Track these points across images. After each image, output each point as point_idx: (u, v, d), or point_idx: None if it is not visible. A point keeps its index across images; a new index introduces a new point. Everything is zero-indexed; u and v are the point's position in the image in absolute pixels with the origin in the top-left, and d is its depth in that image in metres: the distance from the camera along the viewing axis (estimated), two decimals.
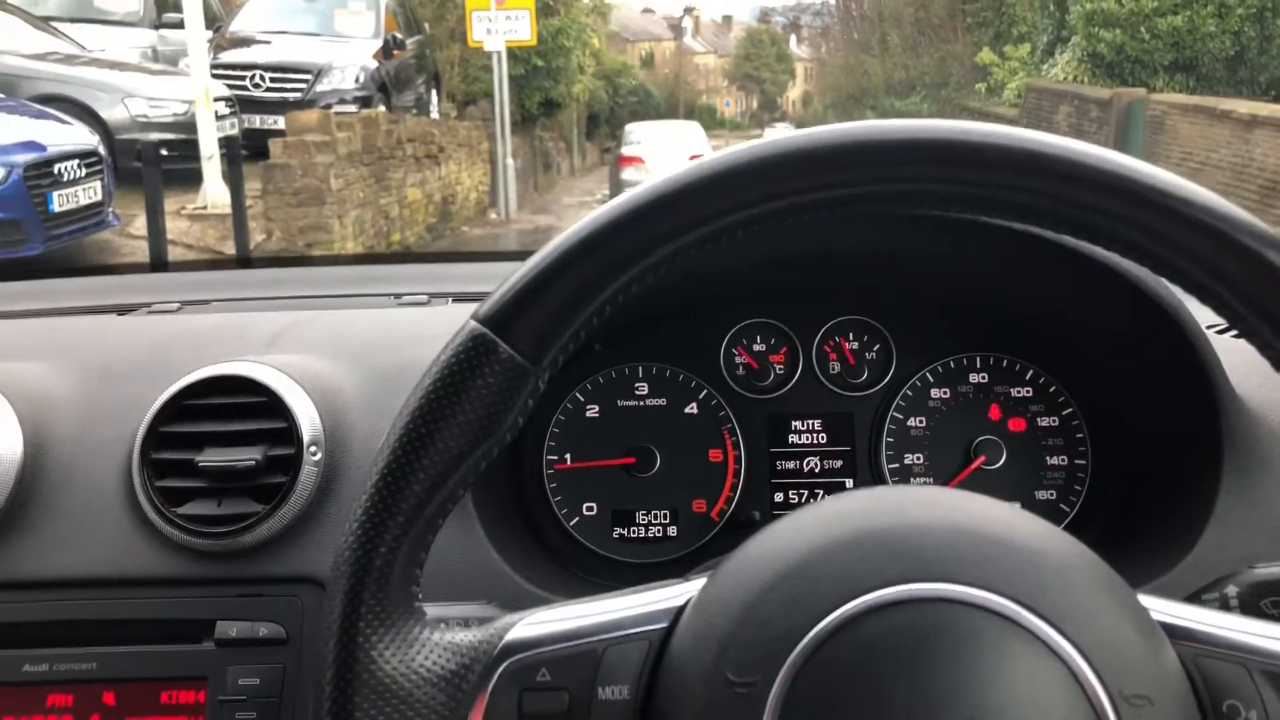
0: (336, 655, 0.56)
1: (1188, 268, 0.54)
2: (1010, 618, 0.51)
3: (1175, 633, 0.55)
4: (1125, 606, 0.54)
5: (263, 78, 10.28)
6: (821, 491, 1.13)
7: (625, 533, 1.12)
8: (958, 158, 0.54)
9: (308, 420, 0.93)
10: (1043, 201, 0.54)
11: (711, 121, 39.68)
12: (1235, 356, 0.93)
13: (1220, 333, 1.02)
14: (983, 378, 1.13)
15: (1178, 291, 0.90)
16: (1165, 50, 14.92)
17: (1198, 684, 0.54)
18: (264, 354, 0.99)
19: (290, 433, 0.92)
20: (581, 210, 14.69)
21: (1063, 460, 1.11)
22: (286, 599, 0.90)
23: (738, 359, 1.15)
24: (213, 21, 10.21)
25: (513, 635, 0.58)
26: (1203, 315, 0.92)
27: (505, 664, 0.57)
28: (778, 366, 1.16)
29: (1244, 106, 13.04)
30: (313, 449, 0.92)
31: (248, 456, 0.90)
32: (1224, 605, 0.71)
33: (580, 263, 0.56)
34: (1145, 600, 0.56)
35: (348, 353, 1.03)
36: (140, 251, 6.78)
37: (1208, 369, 0.93)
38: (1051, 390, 1.12)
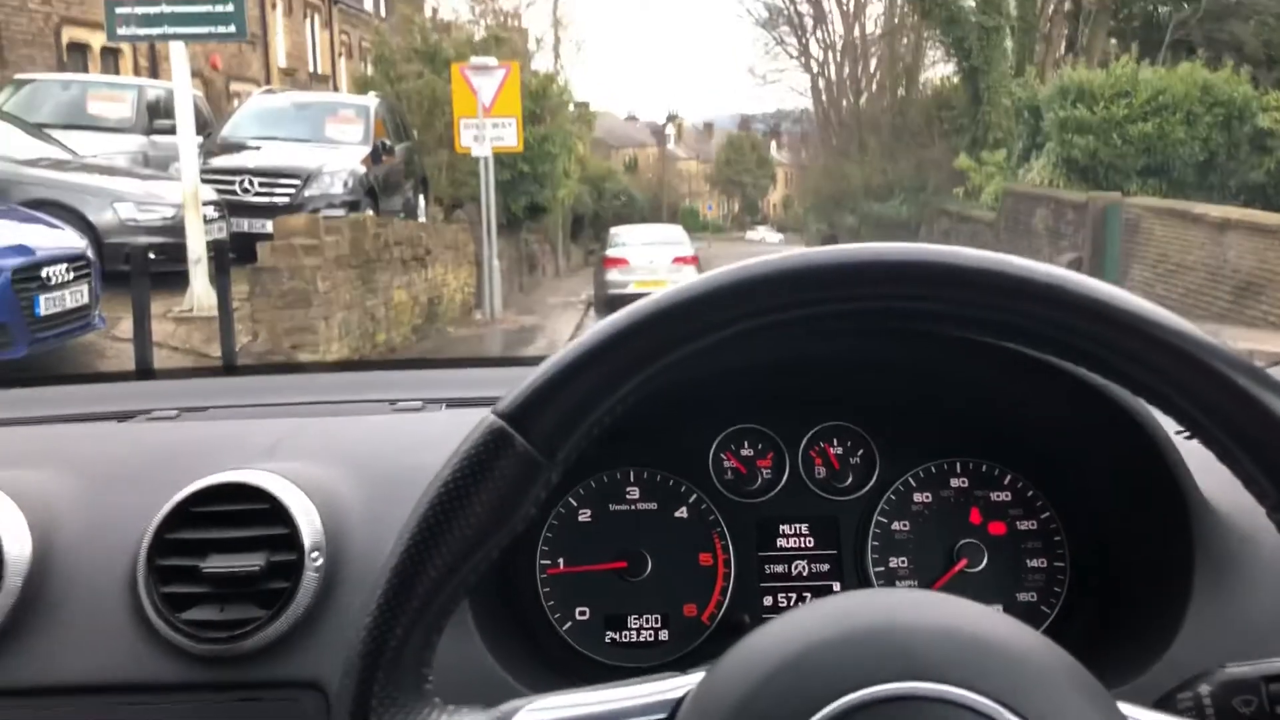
0: None
1: (1165, 391, 0.59)
2: (994, 718, 0.53)
3: None
4: (1102, 711, 0.56)
5: (252, 182, 10.39)
6: (810, 594, 1.13)
7: (617, 637, 1.11)
8: (955, 280, 0.59)
9: (309, 527, 0.93)
10: (1035, 325, 0.59)
11: (694, 224, 40.30)
12: (1203, 461, 0.95)
13: (1188, 438, 1.04)
14: (964, 482, 1.15)
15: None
16: (1137, 155, 15.31)
17: None
18: (265, 461, 1.00)
19: (292, 539, 0.92)
20: (566, 311, 14.84)
21: (1042, 563, 1.13)
22: (286, 703, 0.90)
23: (726, 464, 1.17)
24: (203, 127, 10.35)
25: (521, 718, 0.59)
26: (1170, 422, 0.95)
27: None
28: (765, 471, 1.17)
29: (1216, 211, 13.34)
30: (314, 555, 0.92)
31: (251, 563, 0.90)
32: (1197, 705, 0.72)
33: (598, 363, 0.60)
34: (1130, 711, 0.58)
35: (346, 460, 1.04)
36: (125, 354, 6.77)
37: (1176, 475, 0.95)
38: (1030, 495, 1.14)
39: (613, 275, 16.12)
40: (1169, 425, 0.94)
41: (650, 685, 0.61)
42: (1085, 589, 1.11)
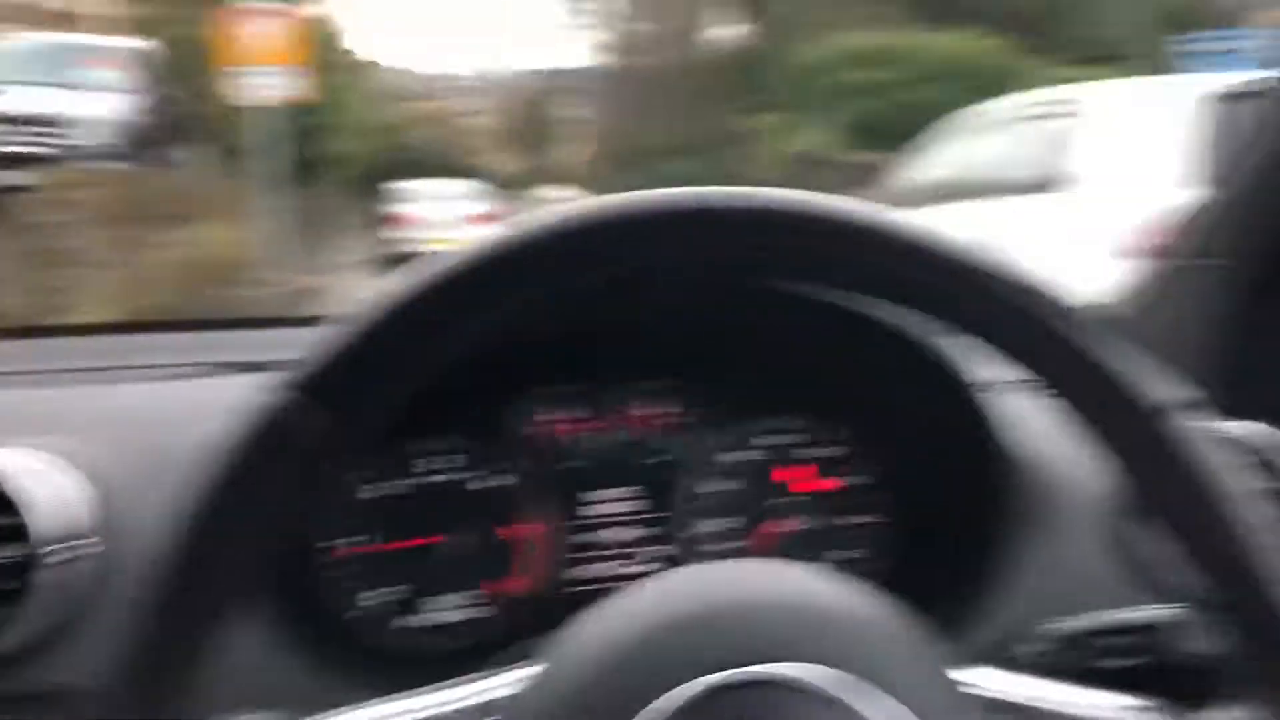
0: None
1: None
2: (827, 695, 0.52)
3: (997, 705, 0.58)
4: (931, 668, 0.58)
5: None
6: (618, 562, 1.09)
7: (407, 622, 1.03)
8: (788, 224, 0.56)
9: (49, 515, 0.81)
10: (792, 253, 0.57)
11: (492, 181, 39.95)
12: (1015, 409, 0.97)
13: (1000, 388, 1.07)
14: (781, 440, 1.13)
15: (958, 355, 0.97)
16: (913, 120, 16.06)
17: None
18: (11, 437, 0.87)
19: (20, 530, 0.80)
20: (355, 270, 14.37)
21: (855, 520, 1.12)
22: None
23: (529, 429, 1.09)
24: None
25: None
26: (983, 373, 0.98)
27: None
28: (571, 436, 1.11)
29: None
30: (51, 548, 0.80)
31: None
32: (1026, 662, 0.74)
33: (388, 326, 0.55)
34: (963, 673, 0.60)
35: (100, 435, 0.91)
36: None
37: (988, 428, 0.96)
38: (843, 452, 1.13)
39: (401, 232, 15.74)
40: (982, 377, 0.97)
41: (460, 691, 0.58)
42: (906, 547, 1.11)
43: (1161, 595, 0.89)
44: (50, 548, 0.80)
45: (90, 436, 0.91)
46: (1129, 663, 0.71)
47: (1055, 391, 0.56)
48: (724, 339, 1.12)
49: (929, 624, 0.96)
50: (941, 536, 1.05)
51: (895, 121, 16.21)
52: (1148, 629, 0.72)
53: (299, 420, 0.53)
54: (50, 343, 1.47)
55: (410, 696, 0.58)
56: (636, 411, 1.13)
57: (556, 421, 1.11)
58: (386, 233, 16.25)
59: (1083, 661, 0.73)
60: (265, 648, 0.84)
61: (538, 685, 0.55)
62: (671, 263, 0.57)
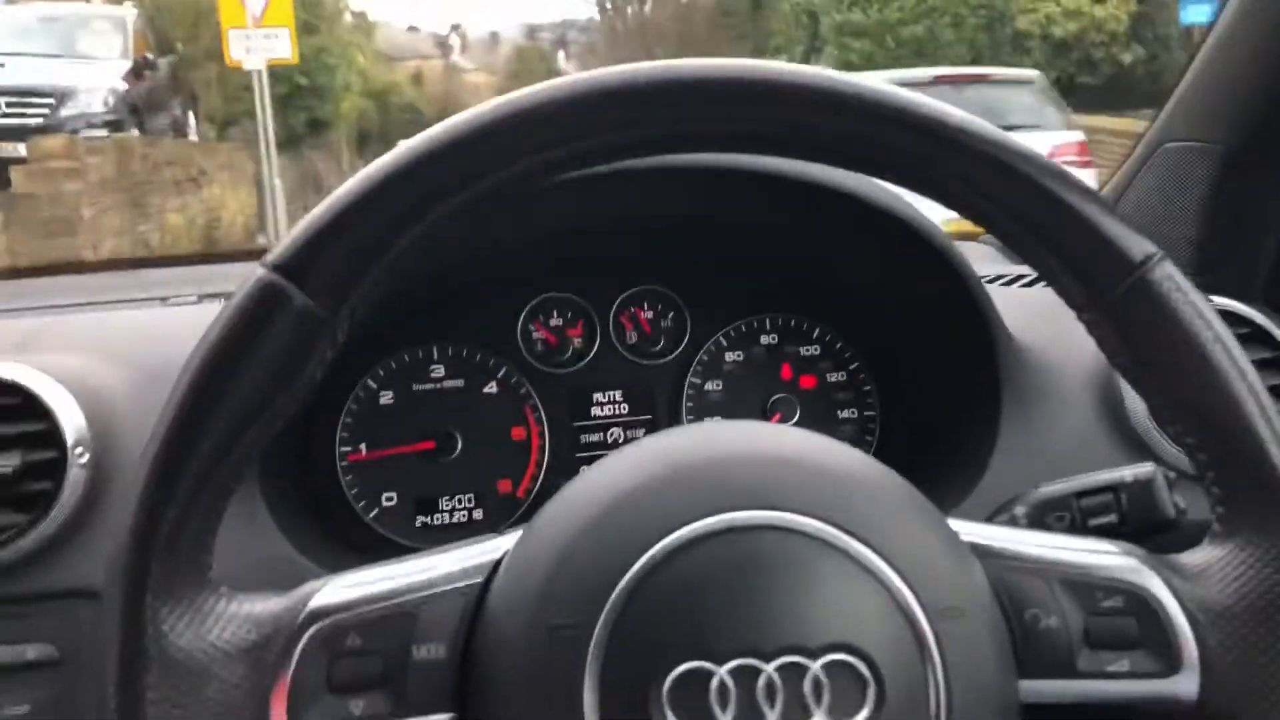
0: (123, 631, 0.52)
1: (970, 196, 0.57)
2: (826, 540, 0.53)
3: (980, 551, 0.58)
4: (934, 526, 0.57)
5: None
6: None
7: (429, 520, 1.09)
8: (766, 96, 0.55)
9: (70, 420, 0.85)
10: (814, 131, 0.56)
11: None
12: (1007, 298, 0.99)
13: (990, 281, 1.09)
14: (773, 338, 1.17)
15: (951, 242, 0.99)
16: (910, 58, 15.88)
17: (1002, 596, 0.57)
18: (19, 354, 0.91)
19: (51, 435, 0.84)
20: None
21: (853, 414, 1.17)
22: (58, 616, 0.83)
23: (535, 335, 1.15)
24: None
25: (318, 601, 0.55)
26: (973, 258, 0.99)
27: (310, 631, 0.53)
28: (575, 340, 1.16)
29: None
30: (79, 450, 0.84)
31: (3, 464, 0.82)
32: (1013, 524, 0.75)
33: (377, 203, 0.54)
34: (956, 524, 0.59)
35: (112, 351, 0.95)
36: None
37: (982, 310, 0.98)
38: (838, 346, 1.17)
39: None
40: (976, 264, 0.99)
41: (463, 550, 0.58)
42: (897, 436, 1.15)
43: (1153, 457, 0.92)
44: (80, 449, 0.84)
45: (78, 357, 0.93)
46: (1112, 519, 0.73)
47: (1041, 248, 0.57)
48: (717, 239, 1.14)
49: (928, 496, 1.02)
50: (937, 421, 1.09)
51: (888, 61, 16.06)
52: (1130, 485, 0.74)
53: (279, 301, 0.53)
54: (60, 280, 1.50)
55: (398, 562, 0.57)
56: (642, 314, 1.17)
57: (565, 326, 1.16)
58: None
59: (1067, 521, 0.74)
60: (280, 545, 0.87)
61: (521, 548, 0.56)
62: (643, 139, 0.56)
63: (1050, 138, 7.60)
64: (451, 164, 0.54)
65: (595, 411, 1.15)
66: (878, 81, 0.56)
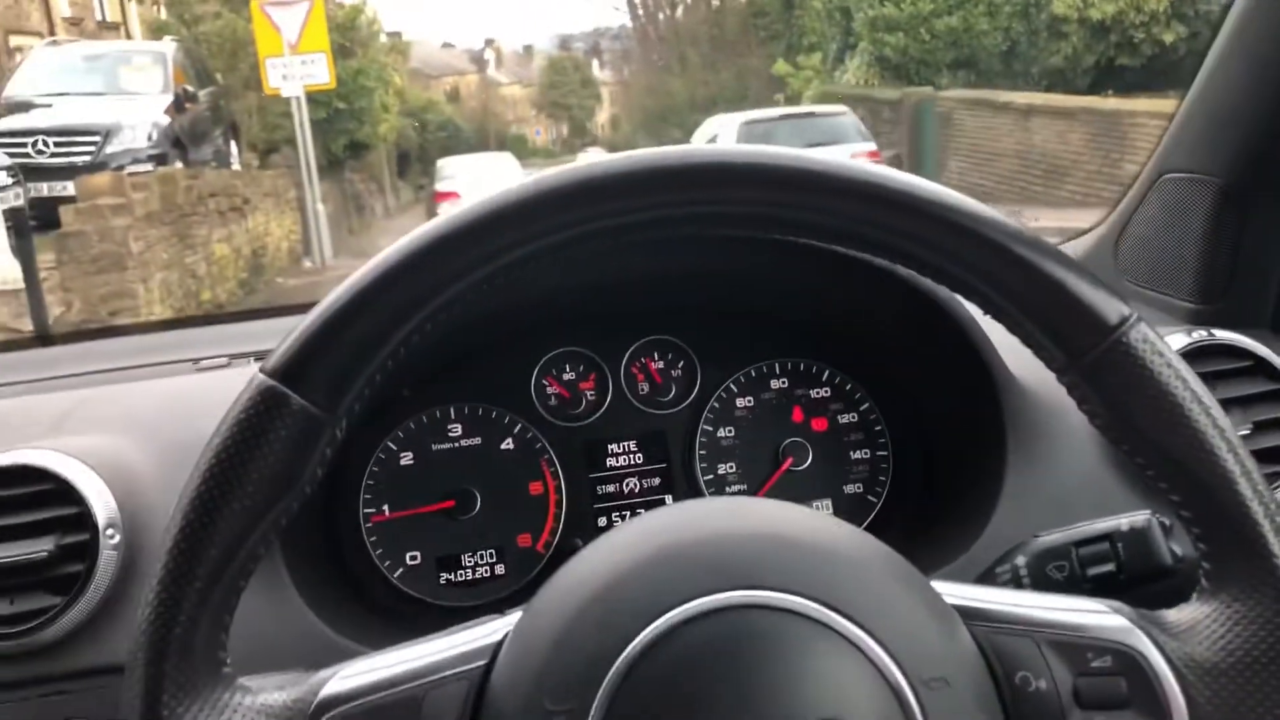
0: None
1: (942, 264, 0.59)
2: (810, 616, 0.54)
3: (967, 613, 0.58)
4: (918, 594, 0.57)
5: (46, 143, 9.75)
6: (644, 511, 1.14)
7: (452, 577, 1.10)
8: (740, 179, 0.58)
9: (101, 503, 0.88)
10: (794, 214, 0.58)
11: (524, 151, 39.78)
12: (1009, 342, 0.99)
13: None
14: (784, 383, 1.18)
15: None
16: (945, 49, 15.79)
17: (991, 660, 0.57)
18: (50, 438, 0.94)
19: (83, 518, 0.87)
20: None
21: (865, 454, 1.17)
22: (96, 692, 0.85)
23: (548, 390, 1.16)
24: None
25: (328, 690, 0.56)
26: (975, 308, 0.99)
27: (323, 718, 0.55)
28: (588, 393, 1.17)
29: (1021, 98, 13.89)
30: (109, 532, 0.87)
31: (38, 549, 0.85)
32: (1015, 576, 0.76)
33: (371, 306, 0.56)
34: (938, 585, 0.59)
35: (140, 427, 0.98)
36: None
37: (983, 355, 0.99)
38: (848, 388, 1.18)
39: (444, 209, 15.79)
40: (974, 308, 0.99)
41: (468, 633, 0.59)
42: (908, 477, 1.16)
43: (1155, 503, 0.89)
44: (112, 531, 0.87)
45: (109, 436, 0.96)
46: (1110, 568, 0.73)
47: (1017, 313, 0.58)
48: (723, 289, 1.15)
49: (933, 548, 0.99)
50: (945, 463, 1.10)
51: (923, 53, 15.95)
52: (1126, 534, 0.74)
53: (278, 405, 0.55)
54: (104, 344, 1.54)
55: (404, 648, 0.59)
56: (653, 364, 1.18)
57: (578, 379, 1.17)
58: (432, 212, 16.32)
59: (1067, 571, 0.75)
60: (300, 615, 0.88)
61: (520, 631, 0.57)
62: (633, 224, 0.58)
63: (851, 148, 11.22)
64: (433, 270, 0.56)
65: (610, 462, 1.16)
66: (842, 160, 0.59)
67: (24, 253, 7.10)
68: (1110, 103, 12.69)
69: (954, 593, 0.59)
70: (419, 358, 1.03)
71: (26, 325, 7.04)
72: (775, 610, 0.54)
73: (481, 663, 0.57)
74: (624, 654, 0.52)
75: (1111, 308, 0.57)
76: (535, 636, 0.55)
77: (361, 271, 0.57)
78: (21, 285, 7.12)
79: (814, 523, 0.60)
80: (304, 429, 0.55)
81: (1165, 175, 1.22)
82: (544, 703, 0.52)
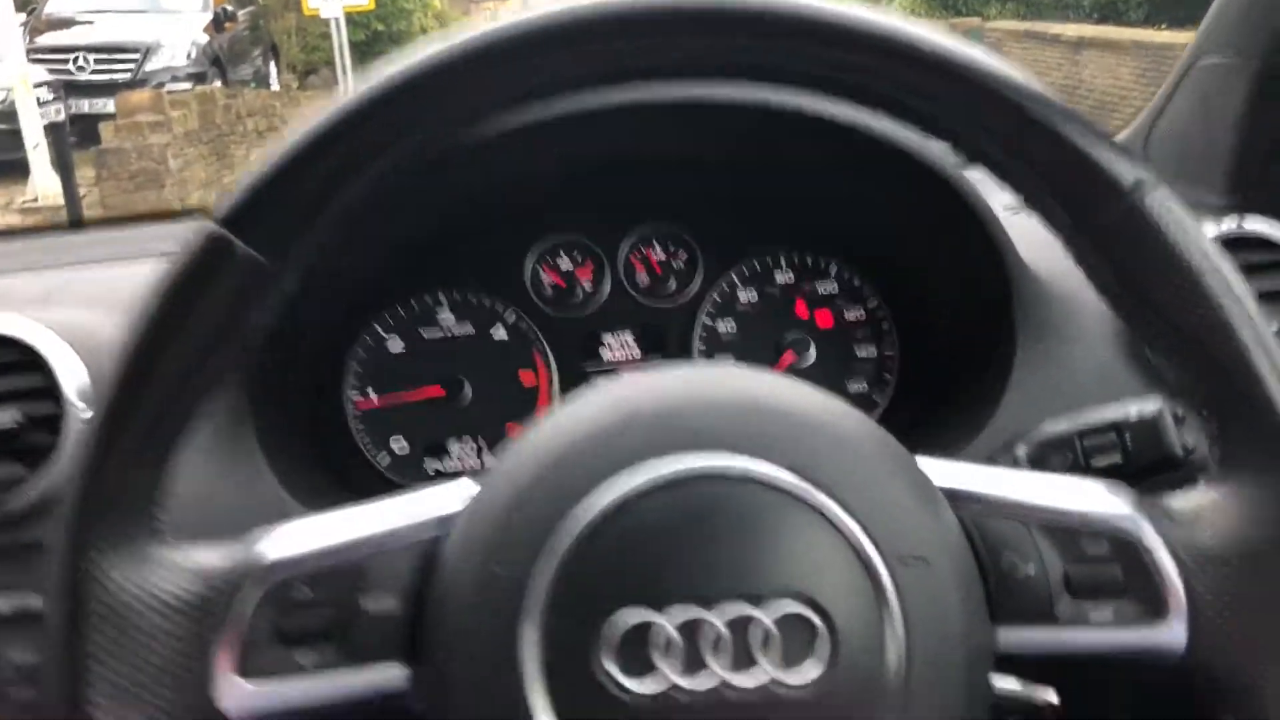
0: (62, 581, 0.51)
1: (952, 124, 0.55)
2: (781, 486, 0.51)
3: (954, 495, 0.56)
4: (901, 471, 0.54)
5: (87, 60, 9.80)
6: None
7: (440, 466, 1.09)
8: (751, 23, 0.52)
9: (71, 374, 0.87)
10: (806, 63, 0.53)
11: None
12: (1022, 231, 0.97)
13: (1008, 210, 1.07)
14: (789, 276, 1.14)
15: (967, 176, 0.96)
16: None
17: (976, 543, 0.55)
18: (25, 311, 0.92)
19: (51, 390, 0.86)
20: None
21: (871, 352, 1.14)
22: None
23: (544, 277, 1.13)
24: (26, 4, 9.65)
25: (264, 550, 0.54)
26: (991, 195, 0.97)
27: (257, 583, 0.53)
28: (585, 282, 1.14)
29: (1072, 29, 13.53)
30: (82, 405, 0.86)
31: (4, 418, 0.84)
32: (1014, 464, 0.73)
33: (326, 150, 0.52)
34: (929, 465, 0.56)
35: (123, 306, 0.97)
36: None
37: (998, 244, 0.96)
38: (856, 284, 1.14)
39: None
40: (990, 198, 0.96)
41: (418, 498, 0.56)
42: (916, 376, 1.13)
43: (1167, 390, 0.87)
44: (80, 405, 0.85)
45: (91, 312, 0.94)
46: (1117, 459, 0.71)
47: (1030, 177, 0.54)
48: (728, 175, 1.11)
49: (939, 441, 0.96)
50: (953, 358, 1.06)
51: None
52: (1134, 424, 0.71)
53: (221, 252, 0.52)
54: (134, 230, 1.52)
55: (351, 508, 0.56)
56: (653, 254, 1.15)
57: (574, 268, 1.14)
58: None
59: (1070, 461, 0.72)
60: (277, 497, 0.87)
61: (477, 499, 0.54)
62: (600, 70, 0.53)
63: None
64: (398, 112, 0.52)
65: (605, 354, 1.14)
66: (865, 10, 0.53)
67: (64, 167, 7.16)
68: (1163, 36, 12.32)
69: (942, 472, 0.56)
70: (409, 239, 1.02)
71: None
72: (738, 479, 0.51)
73: (434, 532, 0.54)
74: (572, 514, 0.50)
75: (1127, 170, 0.52)
76: (490, 503, 0.53)
77: (316, 117, 0.52)
78: (61, 202, 7.20)
79: (794, 390, 0.56)
80: (247, 277, 0.52)
81: (1199, 62, 1.17)
82: (490, 566, 0.50)
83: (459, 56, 0.51)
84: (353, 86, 0.53)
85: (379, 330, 1.10)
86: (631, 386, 0.57)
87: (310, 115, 0.53)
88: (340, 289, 1.02)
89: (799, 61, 0.53)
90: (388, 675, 0.53)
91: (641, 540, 0.50)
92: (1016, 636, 0.55)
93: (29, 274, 1.10)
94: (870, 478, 0.53)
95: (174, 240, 1.30)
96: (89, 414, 0.85)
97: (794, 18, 0.52)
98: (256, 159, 0.53)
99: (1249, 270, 0.98)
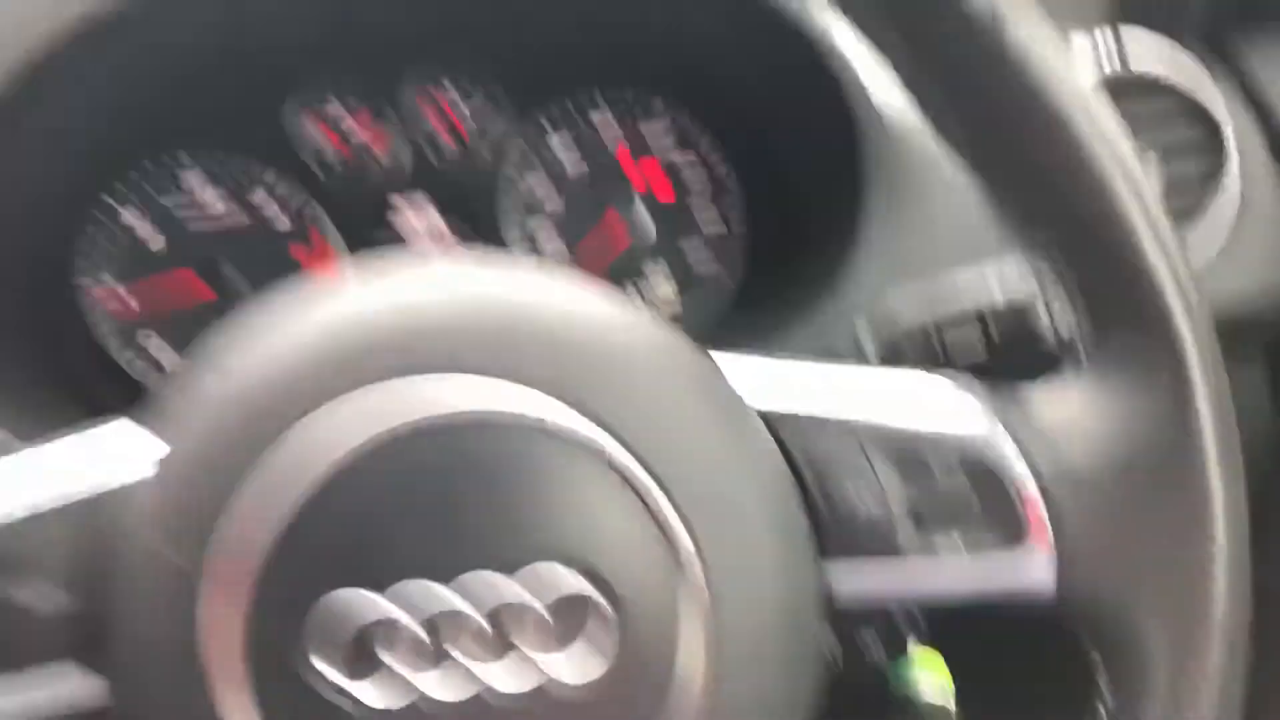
0: None
1: None
2: (546, 424, 0.39)
3: (771, 416, 0.45)
4: (704, 392, 0.43)
5: None
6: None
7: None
8: None
9: None
10: None
11: None
12: (876, 75, 0.84)
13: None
14: (607, 116, 0.97)
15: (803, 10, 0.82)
16: None
17: (803, 469, 0.45)
18: None
19: None
20: None
21: (704, 200, 0.99)
22: None
23: (314, 134, 0.93)
24: None
25: None
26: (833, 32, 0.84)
27: None
28: (363, 137, 0.94)
29: None
30: None
31: None
32: (859, 353, 0.66)
33: None
34: (740, 366, 0.46)
35: None
36: None
37: (843, 86, 0.83)
38: (684, 122, 0.98)
39: None
40: (834, 38, 0.83)
41: (67, 450, 0.43)
42: (755, 224, 0.99)
43: (1024, 246, 0.80)
44: None
45: None
46: (979, 358, 0.62)
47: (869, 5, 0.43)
48: (525, 4, 0.91)
49: (784, 308, 0.86)
50: (796, 211, 0.94)
51: None
52: (1002, 314, 0.63)
53: None
54: None
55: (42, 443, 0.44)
56: (444, 98, 0.95)
57: (348, 117, 0.93)
58: None
59: (930, 354, 0.64)
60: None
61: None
62: None
63: None
64: None
65: (405, 223, 0.95)
66: None
67: None
68: None
69: (756, 379, 0.46)
70: (151, 94, 0.83)
71: None
72: (484, 414, 0.38)
73: (86, 494, 0.41)
74: (261, 465, 0.37)
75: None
76: (160, 461, 0.39)
77: None
78: None
79: (557, 289, 0.43)
80: None
81: None
82: (165, 551, 0.38)
83: None
84: None
85: (111, 203, 0.89)
86: (346, 292, 0.43)
87: None
88: (63, 150, 0.83)
89: None
90: (59, 681, 0.41)
91: (357, 501, 0.37)
92: (852, 575, 0.45)
93: None
94: (657, 404, 0.41)
95: None
96: None
97: None
98: None
99: (1134, 122, 0.88)
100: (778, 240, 0.98)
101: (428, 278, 0.43)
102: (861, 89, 0.83)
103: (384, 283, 0.43)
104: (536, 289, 0.43)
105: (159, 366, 0.91)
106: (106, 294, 0.89)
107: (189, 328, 0.91)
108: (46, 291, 0.87)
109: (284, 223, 0.93)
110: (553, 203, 0.97)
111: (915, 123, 0.84)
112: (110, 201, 0.88)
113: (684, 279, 0.98)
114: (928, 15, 0.42)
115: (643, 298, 1.00)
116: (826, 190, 0.88)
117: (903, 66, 0.45)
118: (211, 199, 0.91)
